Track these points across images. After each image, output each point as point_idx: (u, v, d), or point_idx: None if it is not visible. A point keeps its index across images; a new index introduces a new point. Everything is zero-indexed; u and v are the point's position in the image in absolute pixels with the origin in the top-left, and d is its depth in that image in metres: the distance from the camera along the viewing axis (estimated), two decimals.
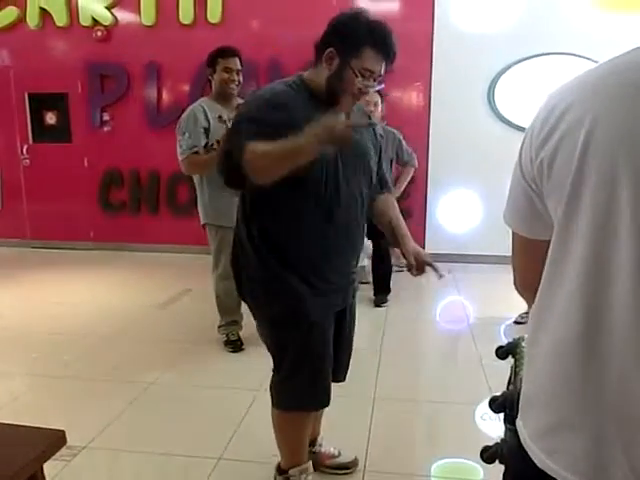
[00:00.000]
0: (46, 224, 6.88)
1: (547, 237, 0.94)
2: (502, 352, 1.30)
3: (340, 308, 2.06)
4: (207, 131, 3.35)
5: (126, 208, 6.75)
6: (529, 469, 0.93)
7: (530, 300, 1.02)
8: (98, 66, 6.41)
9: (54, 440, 1.52)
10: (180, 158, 3.40)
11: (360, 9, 1.83)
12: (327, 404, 2.09)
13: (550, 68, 5.65)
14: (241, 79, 3.46)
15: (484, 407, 2.85)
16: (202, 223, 3.63)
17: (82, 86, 6.51)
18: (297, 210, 1.85)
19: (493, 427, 2.51)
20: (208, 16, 6.12)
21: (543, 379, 0.94)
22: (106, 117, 6.57)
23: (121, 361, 3.57)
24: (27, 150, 6.80)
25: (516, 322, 4.03)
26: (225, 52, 3.43)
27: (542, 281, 0.95)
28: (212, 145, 3.36)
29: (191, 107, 3.45)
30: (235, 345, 3.68)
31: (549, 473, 0.90)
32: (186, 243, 6.41)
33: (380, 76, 1.83)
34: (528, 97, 5.63)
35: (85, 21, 6.31)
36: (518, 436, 0.98)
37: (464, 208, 6.15)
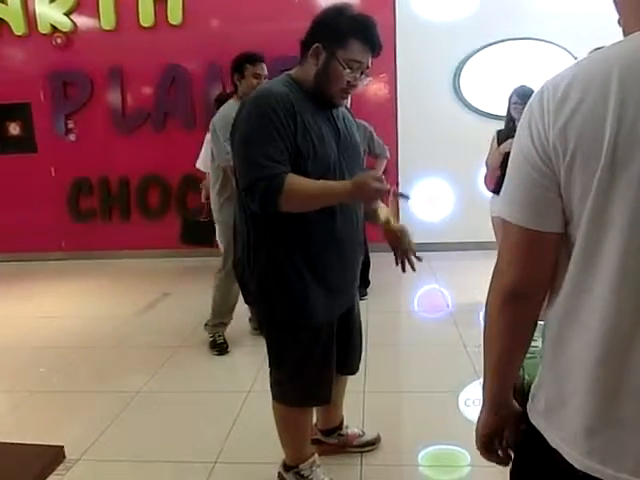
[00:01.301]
0: (15, 236, 6.75)
1: (557, 229, 0.91)
2: None
3: (348, 306, 2.11)
4: None
5: (97, 216, 6.66)
6: (551, 468, 0.93)
7: (517, 311, 0.98)
8: (60, 73, 6.30)
9: (53, 455, 1.53)
10: (224, 164, 3.41)
11: (344, 3, 1.84)
12: (330, 400, 2.13)
13: (513, 53, 5.77)
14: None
15: (475, 393, 2.92)
16: (215, 220, 3.64)
17: (45, 95, 6.39)
18: (323, 213, 1.86)
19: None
20: (169, 18, 6.06)
21: (578, 379, 0.90)
22: (71, 125, 6.47)
23: (105, 371, 3.54)
24: None
25: None
26: (253, 58, 3.43)
27: (567, 276, 0.91)
28: None
29: (226, 112, 3.42)
30: (221, 348, 3.69)
31: (592, 474, 0.88)
32: (160, 247, 6.37)
33: (367, 68, 1.86)
34: (493, 83, 5.75)
35: (44, 29, 6.20)
36: (530, 429, 0.99)
37: (435, 196, 6.22)
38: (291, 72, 1.91)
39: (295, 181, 1.74)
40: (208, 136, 4.96)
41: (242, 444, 2.61)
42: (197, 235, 5.11)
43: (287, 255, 1.87)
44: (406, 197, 1.99)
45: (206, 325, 3.79)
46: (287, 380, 2.05)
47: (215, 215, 3.69)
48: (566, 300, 0.91)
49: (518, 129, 0.94)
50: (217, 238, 4.35)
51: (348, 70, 1.80)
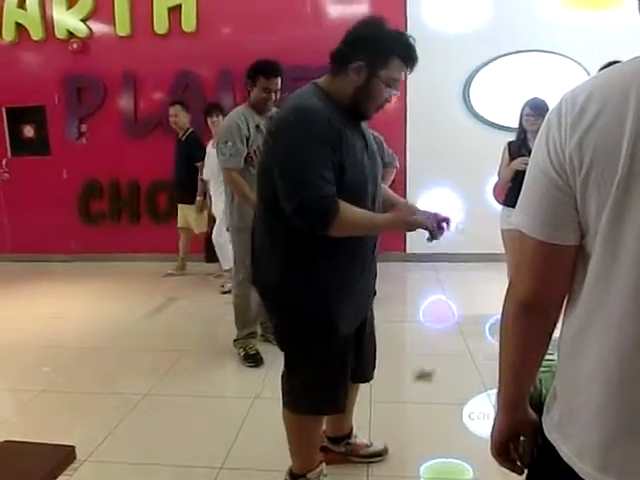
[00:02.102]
0: (26, 237, 6.83)
1: (573, 242, 0.91)
2: None
3: (365, 316, 2.14)
4: (248, 140, 3.39)
5: (106, 218, 6.73)
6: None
7: (531, 323, 0.98)
8: (75, 78, 6.40)
9: (65, 455, 1.56)
10: (222, 165, 3.44)
11: (377, 18, 1.87)
12: (344, 409, 2.16)
13: (524, 65, 5.79)
14: (279, 95, 3.45)
15: (483, 406, 2.94)
16: (227, 227, 3.63)
17: (59, 98, 6.49)
18: None
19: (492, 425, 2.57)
20: (183, 25, 6.14)
21: (593, 392, 0.89)
22: (84, 128, 6.56)
23: (113, 373, 3.58)
24: (6, 164, 6.76)
25: None
26: (268, 72, 3.36)
27: (584, 288, 0.91)
28: (249, 154, 3.39)
29: (232, 116, 3.45)
30: (255, 359, 3.57)
31: None
32: (168, 251, 6.41)
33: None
34: (503, 95, 5.77)
35: (61, 34, 6.31)
36: (545, 444, 0.99)
37: (443, 207, 6.22)
38: (319, 83, 1.90)
39: (346, 207, 1.75)
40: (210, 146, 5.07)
41: (248, 450, 2.62)
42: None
43: (318, 268, 1.88)
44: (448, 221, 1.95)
45: (235, 341, 3.69)
46: (303, 388, 2.04)
47: (226, 222, 3.67)
48: (582, 312, 0.91)
49: (535, 142, 0.95)
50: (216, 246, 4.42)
51: (387, 88, 1.85)
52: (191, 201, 5.57)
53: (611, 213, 0.83)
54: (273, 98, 3.41)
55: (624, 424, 0.86)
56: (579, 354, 0.92)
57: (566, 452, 0.94)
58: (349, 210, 1.77)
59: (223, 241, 5.04)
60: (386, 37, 1.81)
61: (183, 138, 5.57)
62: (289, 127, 1.78)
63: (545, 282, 0.95)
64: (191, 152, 5.47)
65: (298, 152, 1.74)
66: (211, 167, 4.99)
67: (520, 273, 0.99)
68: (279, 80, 3.41)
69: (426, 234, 1.90)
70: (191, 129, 5.57)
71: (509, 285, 1.02)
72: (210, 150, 5.04)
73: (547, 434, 0.99)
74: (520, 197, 0.97)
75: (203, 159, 5.31)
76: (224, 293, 5.05)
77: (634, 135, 0.80)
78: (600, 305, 0.88)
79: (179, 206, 5.83)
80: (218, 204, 4.99)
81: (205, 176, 5.28)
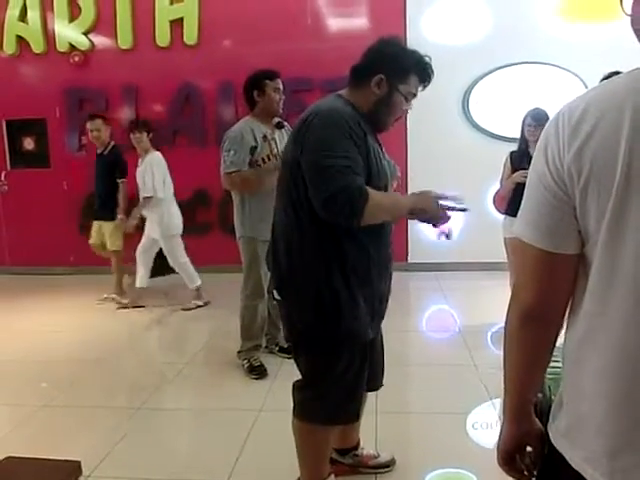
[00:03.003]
0: (26, 250, 6.81)
1: (574, 250, 0.92)
2: None
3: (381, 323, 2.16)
4: (254, 149, 3.41)
5: None
6: None
7: (533, 332, 0.99)
8: (76, 91, 6.42)
9: (71, 471, 1.54)
10: (222, 172, 3.45)
11: (397, 38, 2.05)
12: (359, 417, 2.18)
13: (521, 77, 5.85)
14: (283, 98, 3.54)
15: (487, 415, 2.93)
16: (238, 236, 3.59)
17: (60, 111, 6.51)
18: (372, 232, 1.93)
19: (497, 435, 2.57)
20: (184, 38, 6.18)
21: (598, 399, 0.89)
22: (84, 141, 6.54)
23: (115, 386, 3.55)
24: (5, 176, 6.75)
25: None
26: (271, 74, 3.50)
27: (586, 296, 0.91)
28: (257, 162, 3.41)
29: (238, 127, 3.48)
30: (260, 371, 3.54)
31: None
32: None
33: None
34: (502, 106, 5.81)
35: (62, 47, 6.34)
36: (552, 452, 0.98)
37: None
38: (342, 94, 1.99)
39: (374, 193, 1.81)
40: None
41: (254, 464, 2.59)
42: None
43: (343, 275, 1.89)
44: (464, 210, 2.09)
45: (239, 352, 3.66)
46: (318, 398, 2.03)
47: (237, 232, 3.58)
48: (584, 320, 0.92)
49: (535, 153, 0.96)
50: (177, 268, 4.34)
51: (406, 102, 1.99)
52: (111, 218, 5.25)
53: (610, 221, 0.84)
54: (282, 99, 3.50)
55: (631, 432, 0.86)
56: (583, 362, 0.92)
57: (574, 458, 0.93)
58: (377, 195, 1.82)
59: (184, 261, 5.14)
60: (405, 55, 1.97)
61: (105, 152, 5.29)
62: (317, 123, 1.83)
63: (547, 291, 0.96)
64: (113, 167, 5.21)
65: (328, 145, 1.80)
66: (144, 181, 4.95)
67: (522, 283, 1.00)
68: (280, 81, 3.51)
69: (438, 230, 2.06)
70: (112, 143, 5.30)
71: (512, 295, 1.03)
72: (140, 169, 5.00)
73: (554, 441, 0.99)
74: (521, 207, 0.99)
75: (126, 175, 5.15)
76: (188, 309, 5.09)
77: (630, 145, 0.81)
78: (602, 313, 0.88)
79: (95, 222, 5.47)
80: (154, 225, 5.06)
81: (147, 193, 5.01)
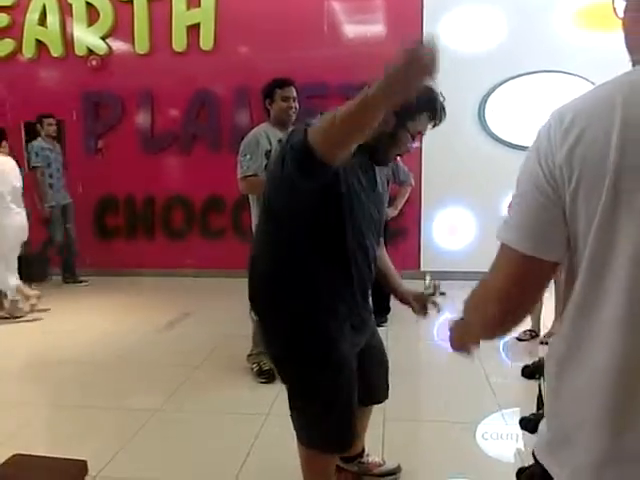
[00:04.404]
0: None
1: (557, 259, 0.91)
2: (528, 371, 1.25)
3: (364, 341, 2.08)
4: (269, 153, 3.43)
5: (122, 234, 6.77)
6: None
7: (498, 330, 1.02)
8: (93, 94, 6.50)
9: (77, 470, 1.54)
10: (239, 177, 3.48)
11: None
12: (352, 446, 2.09)
13: (538, 86, 5.80)
14: (297, 105, 3.52)
15: (498, 426, 2.90)
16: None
17: (77, 114, 6.58)
18: (341, 243, 1.86)
19: (506, 445, 2.55)
20: (201, 44, 6.23)
21: (584, 412, 0.88)
22: (100, 144, 6.63)
23: (125, 388, 3.57)
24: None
25: (542, 342, 3.91)
26: (282, 83, 3.51)
27: (571, 307, 0.90)
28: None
29: (253, 132, 3.53)
30: (268, 374, 3.53)
31: None
32: (182, 267, 6.45)
33: None
34: (518, 114, 5.78)
35: (80, 51, 6.43)
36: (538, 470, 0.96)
37: (458, 225, 6.22)
38: None
39: (314, 125, 1.57)
40: None
41: (260, 468, 2.59)
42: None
43: (320, 292, 1.87)
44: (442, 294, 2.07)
45: (249, 355, 3.70)
46: (316, 421, 1.96)
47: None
48: (569, 333, 0.90)
49: (526, 154, 0.96)
50: None
51: (412, 140, 1.89)
52: None
53: (600, 226, 0.83)
54: (292, 107, 3.48)
55: (616, 445, 0.84)
56: (568, 373, 0.90)
57: (559, 474, 0.91)
58: (319, 123, 1.55)
59: None
60: (419, 95, 1.74)
61: None
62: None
63: (520, 301, 0.95)
64: None
65: None
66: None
67: (496, 288, 0.97)
68: (294, 89, 3.50)
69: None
70: None
71: (481, 290, 1.03)
72: None
73: (538, 456, 0.97)
74: (507, 211, 0.96)
75: None
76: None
77: (620, 148, 0.81)
78: (587, 327, 0.87)
79: None
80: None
81: None
